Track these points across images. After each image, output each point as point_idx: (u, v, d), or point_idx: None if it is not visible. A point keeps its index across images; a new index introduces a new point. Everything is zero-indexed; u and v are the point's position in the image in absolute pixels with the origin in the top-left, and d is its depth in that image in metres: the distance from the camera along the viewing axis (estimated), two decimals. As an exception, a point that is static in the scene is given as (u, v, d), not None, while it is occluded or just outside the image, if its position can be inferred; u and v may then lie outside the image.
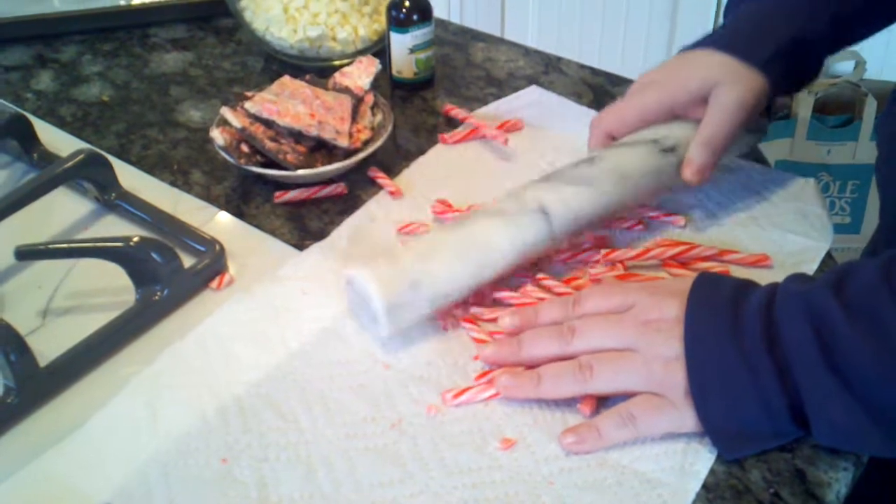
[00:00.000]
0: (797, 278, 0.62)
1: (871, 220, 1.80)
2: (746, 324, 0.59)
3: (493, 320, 0.71)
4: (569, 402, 0.64)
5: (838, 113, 1.75)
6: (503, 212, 0.71)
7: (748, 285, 0.63)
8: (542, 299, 0.71)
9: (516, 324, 0.68)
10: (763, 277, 0.67)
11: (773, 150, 1.74)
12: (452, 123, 0.95)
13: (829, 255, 0.76)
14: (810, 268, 0.75)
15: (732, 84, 0.74)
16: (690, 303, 0.62)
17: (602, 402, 0.64)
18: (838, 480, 0.59)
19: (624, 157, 0.76)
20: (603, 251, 0.76)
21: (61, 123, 0.96)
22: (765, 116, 0.84)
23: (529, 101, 0.97)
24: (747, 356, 0.58)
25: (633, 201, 0.78)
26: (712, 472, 0.59)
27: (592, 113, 0.93)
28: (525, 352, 0.65)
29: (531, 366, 0.65)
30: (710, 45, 0.76)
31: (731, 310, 0.60)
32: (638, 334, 0.62)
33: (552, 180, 0.74)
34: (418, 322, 0.69)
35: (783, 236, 0.78)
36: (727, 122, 0.74)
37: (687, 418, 0.60)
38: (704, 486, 0.59)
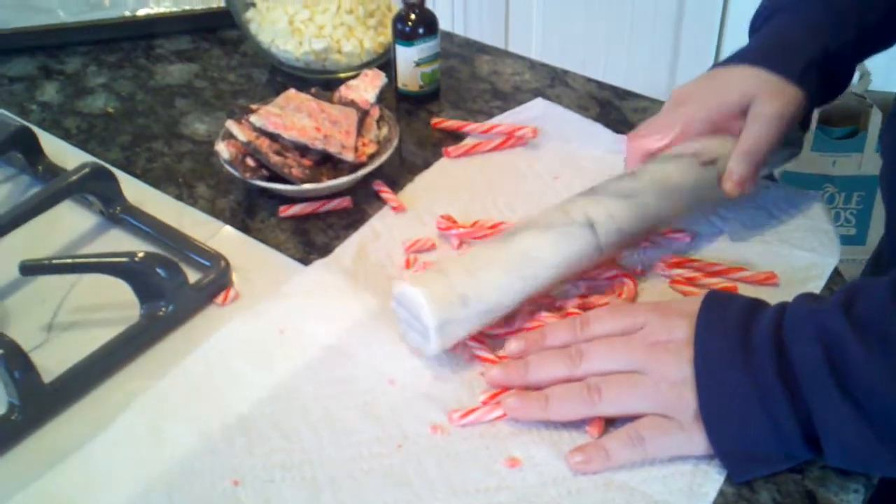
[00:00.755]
0: (806, 298, 0.61)
1: (877, 231, 1.79)
2: (756, 345, 0.59)
3: (500, 336, 0.70)
4: (577, 422, 0.63)
5: (843, 124, 1.75)
6: (550, 225, 0.71)
7: (757, 306, 0.63)
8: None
9: (522, 348, 0.67)
10: (770, 295, 0.67)
11: (778, 161, 1.74)
12: (458, 136, 0.94)
13: (835, 270, 0.76)
14: (818, 284, 0.74)
15: (771, 96, 0.74)
16: (699, 324, 0.61)
17: (610, 423, 0.63)
18: (849, 502, 0.58)
19: (665, 170, 0.76)
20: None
21: (66, 136, 0.96)
22: (801, 130, 0.83)
23: (534, 115, 0.96)
24: (757, 378, 0.58)
25: (675, 214, 0.78)
26: (721, 493, 0.59)
27: (598, 126, 0.93)
28: (532, 374, 0.65)
29: (538, 387, 0.65)
30: (744, 61, 0.77)
31: (740, 331, 0.60)
32: (646, 356, 0.62)
33: (597, 194, 0.74)
34: (465, 338, 0.69)
35: (790, 252, 0.78)
36: (767, 133, 0.74)
37: (696, 441, 0.60)
38: (713, 508, 0.58)
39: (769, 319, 0.60)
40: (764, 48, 0.79)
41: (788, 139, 0.80)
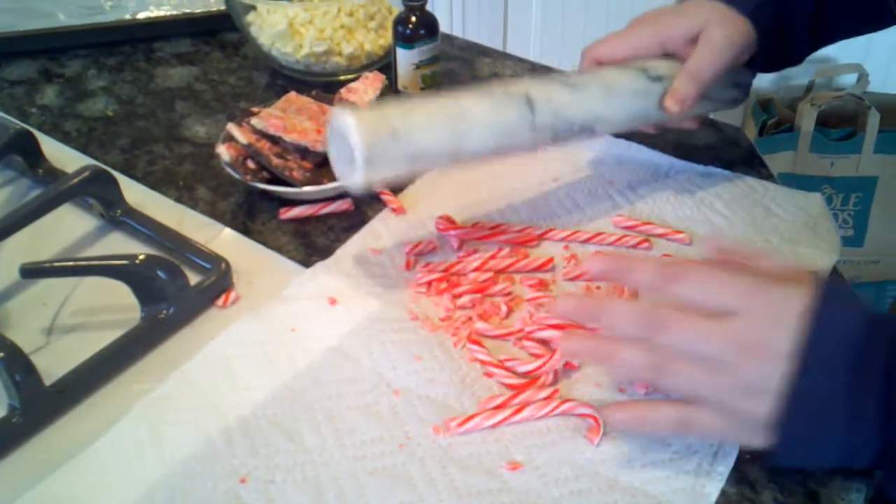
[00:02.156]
0: None
1: (874, 232, 1.80)
2: (867, 381, 0.53)
3: (499, 337, 0.71)
4: (577, 427, 0.64)
5: (841, 126, 1.75)
6: (490, 93, 0.73)
7: (874, 324, 0.55)
8: (559, 326, 0.70)
9: (604, 269, 0.62)
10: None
11: (777, 162, 1.74)
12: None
13: (835, 269, 0.76)
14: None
15: (722, 24, 0.78)
16: (812, 342, 0.54)
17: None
18: (851, 502, 0.58)
19: (612, 74, 0.79)
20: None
21: (66, 139, 0.96)
22: (749, 73, 0.86)
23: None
24: (856, 418, 0.53)
25: (615, 118, 0.79)
26: (723, 493, 0.59)
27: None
28: (605, 320, 0.60)
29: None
30: None
31: (854, 359, 0.53)
32: (733, 354, 0.56)
33: (542, 79, 0.77)
34: (391, 176, 0.69)
35: (792, 249, 0.78)
36: (715, 57, 0.78)
37: (747, 441, 0.58)
38: (715, 508, 0.58)
39: (885, 346, 0.54)
40: None
41: (736, 78, 0.83)
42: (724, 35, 0.78)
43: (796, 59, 0.86)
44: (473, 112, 0.71)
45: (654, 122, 0.83)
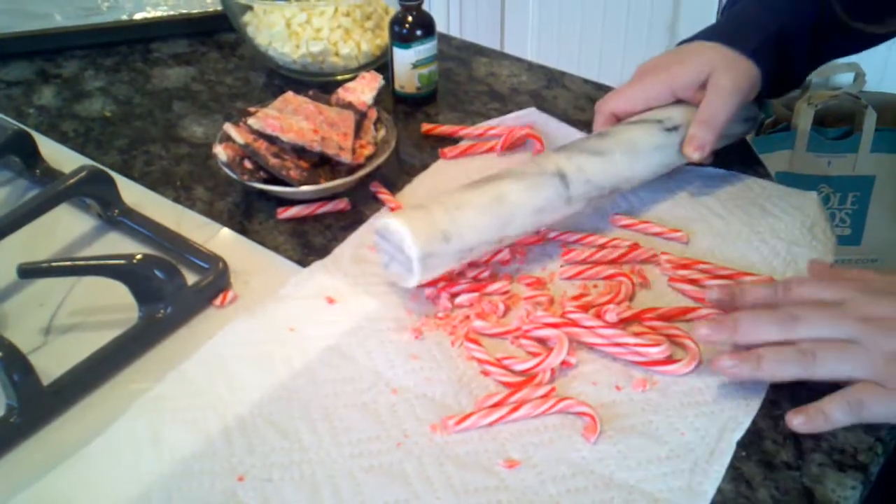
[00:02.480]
0: None
1: (872, 231, 1.80)
2: None
3: (496, 336, 0.71)
4: (574, 426, 0.64)
5: (838, 125, 1.75)
6: (524, 174, 0.76)
7: None
8: (556, 324, 0.71)
9: (720, 297, 0.69)
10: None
11: (774, 161, 1.74)
12: (454, 138, 0.94)
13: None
14: (815, 283, 0.75)
15: (728, 69, 0.81)
16: None
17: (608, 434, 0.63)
18: (846, 499, 0.59)
19: (631, 132, 0.82)
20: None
21: (63, 139, 0.96)
22: (757, 106, 0.90)
23: (527, 122, 0.96)
24: None
25: (641, 174, 0.81)
26: (720, 491, 0.59)
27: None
28: (742, 335, 0.65)
29: (746, 347, 0.65)
30: (705, 38, 0.85)
31: None
32: (860, 328, 0.63)
33: (568, 150, 0.79)
34: (445, 268, 0.72)
35: (788, 249, 0.78)
36: (725, 103, 0.80)
37: None
38: (712, 506, 0.58)
39: None
40: (723, 26, 0.86)
41: (745, 114, 0.86)
42: (731, 80, 0.80)
43: (796, 84, 0.90)
44: (513, 200, 0.74)
45: (675, 167, 0.85)
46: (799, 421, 0.62)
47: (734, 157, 0.90)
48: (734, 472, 0.60)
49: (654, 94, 0.84)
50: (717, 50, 0.82)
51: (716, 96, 0.80)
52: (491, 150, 0.92)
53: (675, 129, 0.82)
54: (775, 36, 0.83)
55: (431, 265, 0.71)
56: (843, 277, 0.68)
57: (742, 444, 0.62)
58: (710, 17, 1.99)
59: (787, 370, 0.63)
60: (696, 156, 0.81)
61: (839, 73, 1.83)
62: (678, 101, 0.84)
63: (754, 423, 0.63)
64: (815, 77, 1.79)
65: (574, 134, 0.94)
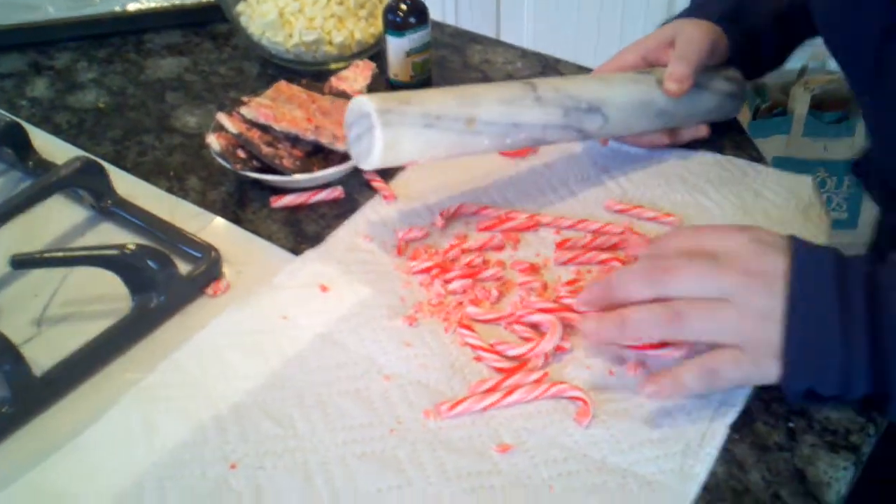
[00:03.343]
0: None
1: (867, 215, 1.80)
2: (851, 300, 0.58)
3: (490, 322, 0.71)
4: (567, 410, 0.64)
5: (834, 109, 1.75)
6: (499, 83, 0.80)
7: (845, 258, 0.61)
8: (549, 310, 0.71)
9: (593, 299, 0.67)
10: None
11: (770, 146, 1.74)
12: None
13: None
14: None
15: (693, 25, 0.86)
16: (798, 260, 0.60)
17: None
18: (838, 480, 0.59)
19: (606, 74, 0.87)
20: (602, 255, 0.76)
21: (56, 131, 0.96)
22: (743, 83, 0.91)
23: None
24: (847, 332, 0.57)
25: (617, 99, 0.82)
26: (712, 473, 0.59)
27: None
28: (615, 292, 0.64)
29: (622, 305, 0.64)
30: (673, 18, 0.91)
31: (837, 276, 0.59)
32: (737, 283, 0.60)
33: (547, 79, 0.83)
34: (411, 138, 0.73)
35: (780, 232, 0.77)
36: (694, 43, 0.84)
37: (767, 375, 0.60)
38: (704, 488, 0.58)
39: (862, 273, 0.59)
40: (688, 9, 0.91)
41: (726, 73, 0.89)
42: (696, 30, 0.85)
43: (775, 60, 0.93)
44: (479, 89, 0.77)
45: (662, 114, 0.85)
46: (650, 390, 0.62)
47: (729, 142, 0.90)
48: (726, 454, 0.60)
49: (627, 61, 0.87)
50: (683, 19, 0.88)
51: (684, 40, 0.84)
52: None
53: (649, 72, 0.86)
54: (737, 5, 0.88)
55: (393, 122, 0.71)
56: (725, 228, 0.66)
57: (734, 427, 0.62)
58: None
59: (651, 332, 0.63)
60: (674, 87, 0.83)
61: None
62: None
63: (746, 405, 0.63)
64: (811, 62, 1.79)
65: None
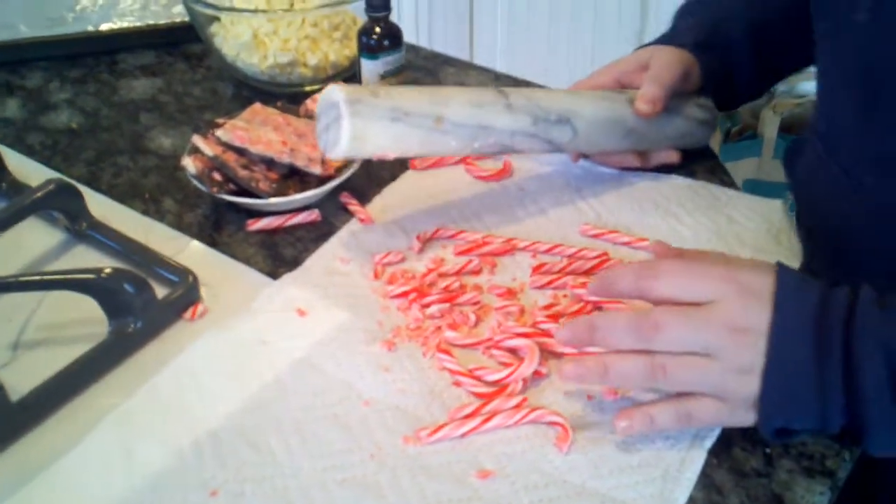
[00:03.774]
0: (871, 302, 0.60)
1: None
2: (828, 348, 0.58)
3: (468, 346, 0.71)
4: (546, 435, 0.64)
5: (804, 132, 1.77)
6: (472, 88, 0.83)
7: (829, 297, 0.60)
8: (527, 334, 0.71)
9: (592, 293, 0.67)
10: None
11: (741, 169, 1.76)
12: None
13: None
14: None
15: (667, 51, 0.88)
16: (778, 316, 0.59)
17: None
18: (815, 505, 0.59)
19: (577, 90, 0.89)
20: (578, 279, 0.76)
21: (30, 152, 0.96)
22: (714, 110, 0.92)
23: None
24: (823, 377, 0.58)
25: (588, 113, 0.84)
26: (691, 499, 0.60)
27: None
28: (600, 339, 0.63)
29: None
30: (648, 45, 0.93)
31: (815, 327, 0.58)
32: (722, 341, 0.60)
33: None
34: (378, 131, 0.74)
35: (753, 256, 0.79)
36: (667, 67, 0.86)
37: (740, 420, 0.61)
38: (683, 513, 0.59)
39: (841, 319, 0.59)
40: (663, 35, 0.94)
41: (698, 100, 0.90)
42: (671, 55, 0.88)
43: (750, 92, 0.95)
44: (451, 91, 0.79)
45: (631, 133, 0.86)
46: (624, 425, 0.62)
47: (700, 167, 0.91)
48: (705, 479, 0.61)
49: (602, 82, 0.89)
50: (657, 46, 0.90)
51: (658, 63, 0.87)
52: (461, 161, 0.92)
53: (622, 92, 0.87)
54: (711, 34, 0.89)
55: (362, 113, 0.73)
56: (706, 259, 0.66)
57: (713, 452, 0.62)
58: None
59: (634, 382, 0.64)
60: (646, 107, 0.84)
61: (804, 81, 1.85)
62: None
63: (724, 430, 0.64)
64: (780, 85, 1.81)
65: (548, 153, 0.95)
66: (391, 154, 0.77)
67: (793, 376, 0.59)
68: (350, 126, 0.72)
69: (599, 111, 0.84)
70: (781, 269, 0.62)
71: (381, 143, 0.75)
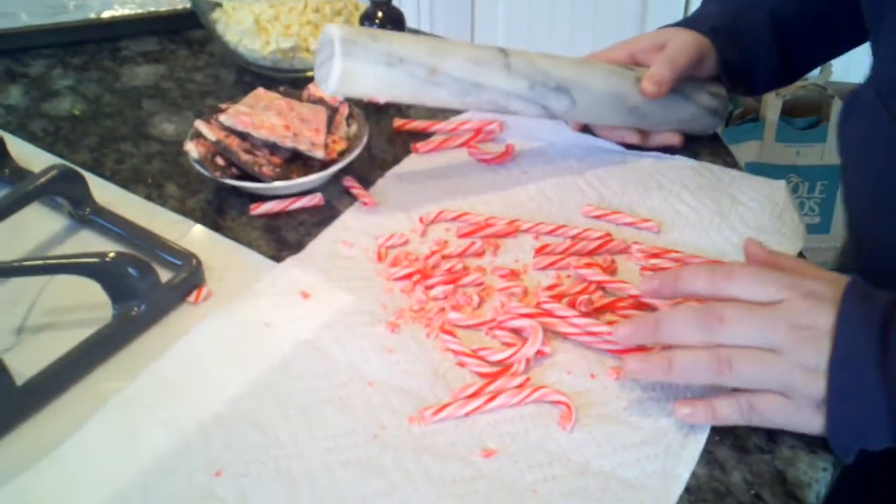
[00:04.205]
0: None
1: (840, 219, 1.82)
2: (893, 353, 0.58)
3: (471, 327, 0.71)
4: (550, 414, 0.64)
5: (806, 115, 1.77)
6: (475, 45, 0.82)
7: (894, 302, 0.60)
8: (530, 314, 0.71)
9: (655, 287, 0.66)
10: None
11: (743, 152, 1.76)
12: (426, 133, 0.95)
13: (801, 255, 0.77)
14: (784, 270, 0.76)
15: (684, 33, 0.88)
16: (842, 316, 0.59)
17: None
18: (818, 481, 0.59)
19: (586, 60, 0.88)
20: (584, 260, 0.77)
21: (33, 138, 0.96)
22: (726, 100, 0.92)
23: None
24: (891, 384, 0.57)
25: (593, 89, 0.84)
26: (694, 475, 0.60)
27: (563, 122, 0.94)
28: (663, 335, 0.63)
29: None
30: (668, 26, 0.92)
31: (880, 333, 0.58)
32: (787, 338, 0.60)
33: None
34: (369, 73, 0.76)
35: (757, 237, 0.78)
36: (683, 50, 0.86)
37: (810, 424, 0.61)
38: (686, 490, 0.59)
39: None
40: (684, 19, 0.93)
41: (710, 88, 0.90)
42: (688, 37, 0.87)
43: (770, 82, 0.94)
44: (451, 45, 0.80)
45: (634, 111, 0.86)
46: (685, 412, 0.62)
47: (703, 148, 0.91)
48: (708, 456, 0.61)
49: (615, 56, 0.89)
50: (675, 27, 0.90)
51: (674, 45, 0.86)
52: (464, 144, 0.92)
53: (631, 69, 0.87)
54: (731, 21, 0.89)
55: (355, 54, 0.74)
56: (780, 266, 0.66)
57: (715, 429, 0.62)
58: (677, 9, 2.01)
59: (699, 377, 0.62)
60: (651, 88, 0.84)
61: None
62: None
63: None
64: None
65: (545, 120, 0.95)
66: (380, 98, 0.78)
67: (856, 379, 0.58)
68: (341, 65, 0.74)
69: (603, 85, 0.84)
70: (852, 280, 0.62)
71: (371, 85, 0.77)
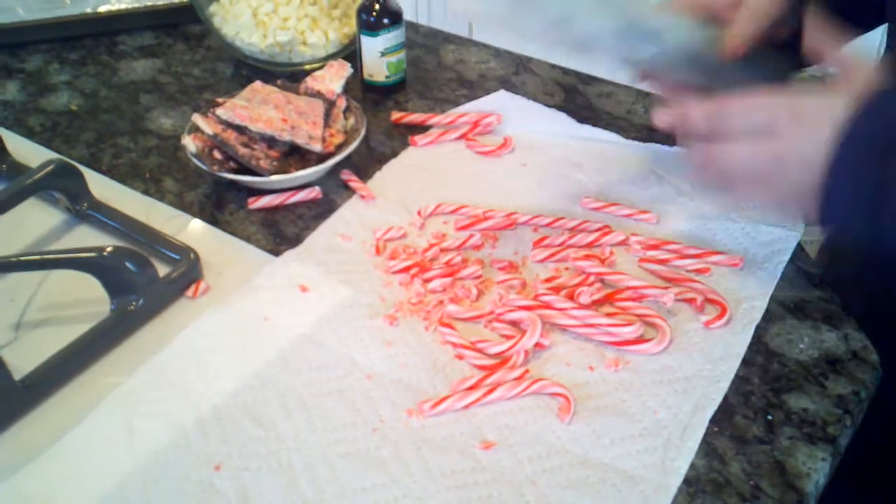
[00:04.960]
0: None
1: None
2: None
3: (470, 320, 0.71)
4: (548, 406, 0.64)
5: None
6: None
7: None
8: (529, 307, 0.71)
9: (669, 121, 0.69)
10: (736, 273, 0.69)
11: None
12: (424, 126, 0.95)
13: (799, 246, 0.77)
14: (782, 259, 0.76)
15: None
16: (852, 125, 0.59)
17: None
18: (817, 471, 0.59)
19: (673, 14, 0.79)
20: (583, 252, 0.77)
21: (30, 134, 0.95)
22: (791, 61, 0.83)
23: (499, 105, 0.96)
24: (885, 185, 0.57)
25: (672, 48, 0.77)
26: (693, 466, 0.60)
27: (561, 114, 0.94)
28: (682, 122, 0.67)
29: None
30: None
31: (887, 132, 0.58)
32: (786, 121, 0.61)
33: None
34: None
35: (755, 227, 0.79)
36: (763, 5, 0.79)
37: (784, 211, 0.65)
38: (685, 481, 0.59)
39: None
40: None
41: (780, 70, 0.82)
42: None
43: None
44: None
45: (707, 71, 0.82)
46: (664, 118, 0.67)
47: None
48: (707, 447, 0.61)
49: (689, 1, 0.82)
50: None
51: (754, 3, 0.79)
52: (462, 137, 0.92)
53: (709, 27, 0.79)
54: None
55: None
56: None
57: (714, 420, 0.63)
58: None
59: (698, 126, 0.65)
60: (734, 43, 0.78)
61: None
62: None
63: (725, 398, 0.64)
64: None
65: (544, 111, 0.95)
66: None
67: (854, 178, 0.58)
68: None
69: (685, 39, 0.78)
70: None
71: None
